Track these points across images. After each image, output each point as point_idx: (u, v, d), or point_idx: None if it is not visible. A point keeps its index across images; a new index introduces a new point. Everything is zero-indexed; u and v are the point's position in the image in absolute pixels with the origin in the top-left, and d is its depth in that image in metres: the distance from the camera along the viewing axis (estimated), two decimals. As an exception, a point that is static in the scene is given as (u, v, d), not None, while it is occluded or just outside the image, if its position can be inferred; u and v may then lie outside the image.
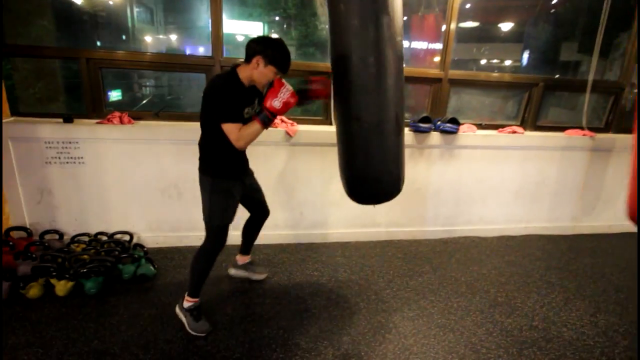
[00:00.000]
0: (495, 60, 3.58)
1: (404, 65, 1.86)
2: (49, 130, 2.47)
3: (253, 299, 2.30)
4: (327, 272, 2.64)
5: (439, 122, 2.92)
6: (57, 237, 2.61)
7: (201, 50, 2.96)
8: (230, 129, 1.76)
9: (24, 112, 2.64)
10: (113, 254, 2.44)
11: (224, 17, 2.69)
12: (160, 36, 2.96)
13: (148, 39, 2.92)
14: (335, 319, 2.17)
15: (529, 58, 3.55)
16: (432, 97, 3.12)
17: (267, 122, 1.79)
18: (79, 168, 2.57)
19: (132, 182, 2.66)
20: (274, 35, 3.03)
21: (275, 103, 1.75)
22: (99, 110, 2.70)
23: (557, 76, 3.64)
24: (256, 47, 1.75)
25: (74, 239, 2.61)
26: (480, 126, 3.20)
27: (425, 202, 3.13)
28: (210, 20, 2.65)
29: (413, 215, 3.15)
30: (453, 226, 3.25)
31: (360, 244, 3.06)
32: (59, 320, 2.04)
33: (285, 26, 3.03)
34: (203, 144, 1.93)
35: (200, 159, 1.94)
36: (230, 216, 1.98)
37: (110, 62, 2.64)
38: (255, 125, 1.78)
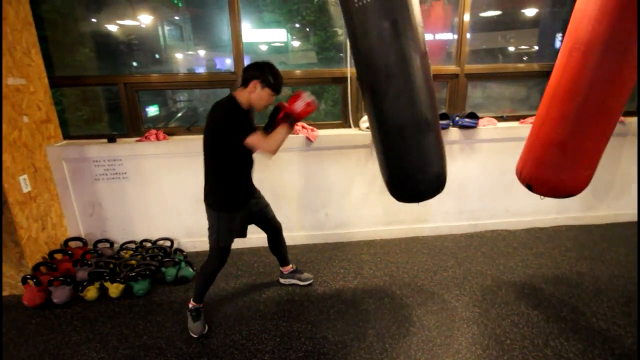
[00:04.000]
0: (523, 47, 3.49)
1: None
2: (96, 150, 2.76)
3: (282, 296, 2.46)
4: (353, 269, 2.76)
5: (457, 118, 2.94)
6: (108, 245, 2.91)
7: (227, 62, 3.15)
8: (257, 139, 1.84)
9: (74, 135, 2.96)
10: (157, 258, 2.70)
11: (248, 27, 2.89)
12: (190, 52, 3.19)
13: (179, 56, 3.16)
14: (361, 313, 2.28)
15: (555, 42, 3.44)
16: (450, 93, 3.15)
17: (292, 125, 1.94)
18: (123, 183, 2.85)
19: (170, 193, 2.91)
20: (296, 43, 3.18)
21: (299, 104, 1.91)
22: (137, 129, 2.97)
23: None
24: (253, 72, 1.90)
25: (123, 247, 2.90)
26: (501, 118, 3.17)
27: (448, 197, 3.14)
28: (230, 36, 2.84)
29: (437, 211, 3.19)
30: (478, 220, 3.26)
31: (385, 241, 3.15)
32: (113, 318, 2.30)
33: (307, 29, 3.17)
34: (209, 177, 2.01)
35: (206, 192, 2.03)
36: (229, 239, 2.09)
37: (144, 84, 2.91)
38: (282, 129, 1.91)
